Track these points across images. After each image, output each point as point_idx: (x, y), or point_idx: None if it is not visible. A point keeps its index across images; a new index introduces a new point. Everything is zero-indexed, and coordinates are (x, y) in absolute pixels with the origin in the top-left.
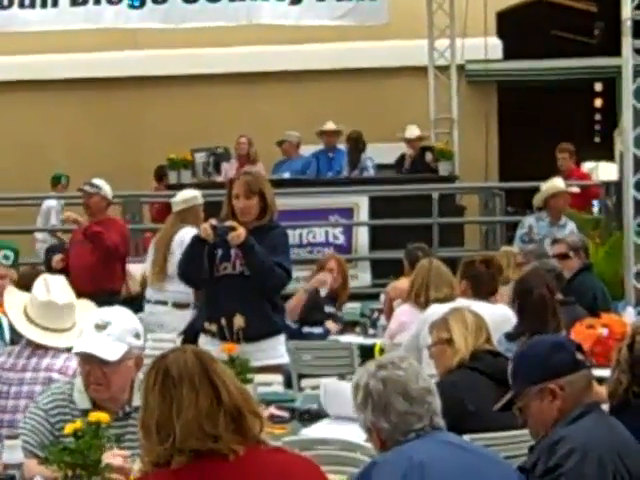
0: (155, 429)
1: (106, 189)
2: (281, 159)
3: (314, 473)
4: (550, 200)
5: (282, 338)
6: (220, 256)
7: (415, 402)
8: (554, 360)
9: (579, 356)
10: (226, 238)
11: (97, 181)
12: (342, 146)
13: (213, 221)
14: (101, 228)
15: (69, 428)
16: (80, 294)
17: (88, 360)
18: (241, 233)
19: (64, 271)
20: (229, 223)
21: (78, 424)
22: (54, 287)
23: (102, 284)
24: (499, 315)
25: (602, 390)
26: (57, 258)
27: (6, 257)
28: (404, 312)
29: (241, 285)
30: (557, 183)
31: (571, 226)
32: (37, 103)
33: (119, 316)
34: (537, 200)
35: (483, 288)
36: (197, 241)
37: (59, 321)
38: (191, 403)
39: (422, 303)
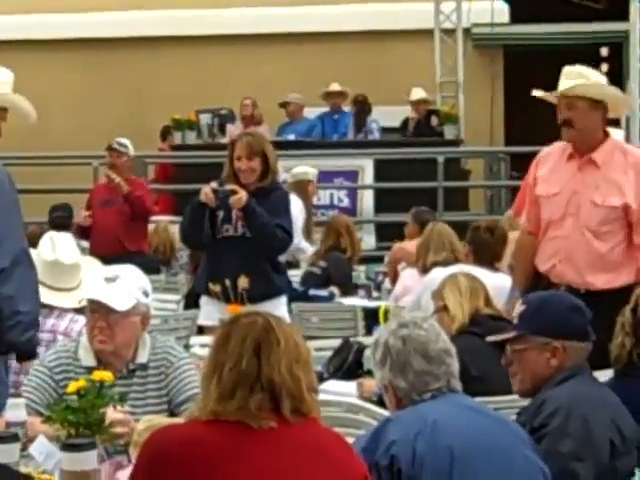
0: (205, 381)
1: (131, 149)
2: (285, 121)
3: (347, 450)
4: None
5: (284, 299)
6: (222, 218)
7: (433, 362)
8: (571, 321)
9: (589, 327)
10: (227, 201)
11: (124, 140)
12: (347, 108)
13: (214, 184)
14: (140, 192)
15: (72, 387)
16: (105, 255)
17: (96, 308)
18: (242, 196)
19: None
20: (230, 187)
21: (81, 382)
22: (60, 246)
23: (128, 245)
24: (496, 285)
25: None
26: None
27: None
28: (409, 275)
29: (243, 247)
30: None
31: None
32: (39, 64)
33: (128, 272)
34: None
35: (485, 255)
36: (198, 205)
37: (65, 280)
38: (231, 379)
39: (421, 266)
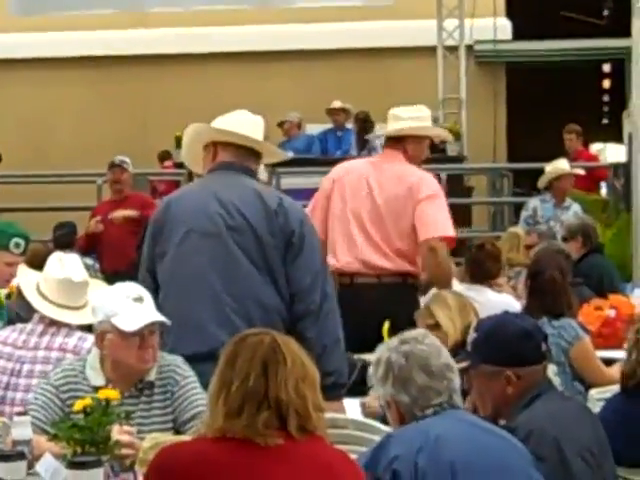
0: (212, 399)
1: (131, 166)
2: (282, 140)
3: (351, 467)
4: (554, 182)
5: None
6: None
7: (435, 377)
8: (520, 349)
9: (544, 347)
10: None
11: (125, 158)
12: (350, 125)
13: None
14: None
15: (78, 405)
16: (116, 272)
17: (154, 329)
18: None
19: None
20: None
21: (87, 401)
22: (69, 265)
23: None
24: (499, 304)
25: (611, 372)
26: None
27: (17, 245)
28: None
29: None
30: (562, 165)
31: (575, 208)
32: (46, 81)
33: (143, 290)
34: (541, 182)
35: (478, 274)
36: None
37: (74, 298)
38: (239, 397)
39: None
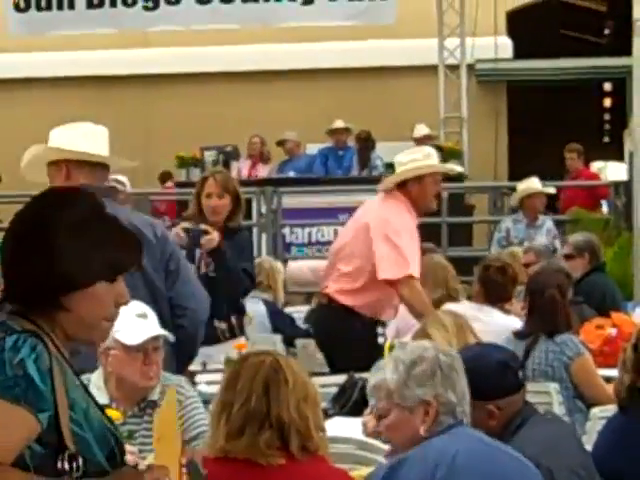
0: (225, 422)
1: (129, 186)
2: (285, 159)
3: None
4: (525, 200)
5: (243, 339)
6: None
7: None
8: (499, 381)
9: (520, 374)
10: (198, 241)
11: (122, 177)
12: (352, 144)
13: (185, 224)
14: None
15: None
16: None
17: (157, 345)
18: (214, 237)
19: None
20: (202, 227)
21: None
22: None
23: None
24: (504, 326)
25: (612, 389)
26: None
27: None
28: (403, 314)
29: (206, 286)
30: (532, 184)
31: (548, 225)
32: (46, 101)
33: (147, 307)
34: (513, 200)
35: (494, 296)
36: None
37: None
38: (240, 400)
39: None
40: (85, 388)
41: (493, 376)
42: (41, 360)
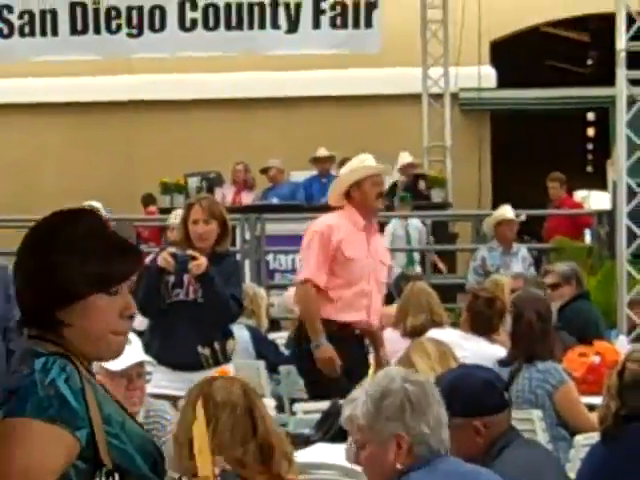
0: (188, 444)
1: (104, 212)
2: (269, 186)
3: None
4: (497, 228)
5: (231, 366)
6: (173, 282)
7: (442, 411)
8: (485, 398)
9: (506, 395)
10: (186, 267)
11: (96, 203)
12: (335, 172)
13: (172, 249)
14: None
15: None
16: None
17: (142, 371)
18: (202, 263)
19: None
20: (190, 252)
21: None
22: None
23: None
24: (493, 356)
25: (595, 418)
26: None
27: None
28: (390, 338)
29: (194, 312)
30: (503, 211)
31: (523, 252)
32: (31, 126)
33: (132, 334)
34: (485, 227)
35: (481, 327)
36: (156, 271)
37: None
38: (227, 428)
39: (402, 329)
40: (119, 402)
41: (479, 393)
42: (72, 379)
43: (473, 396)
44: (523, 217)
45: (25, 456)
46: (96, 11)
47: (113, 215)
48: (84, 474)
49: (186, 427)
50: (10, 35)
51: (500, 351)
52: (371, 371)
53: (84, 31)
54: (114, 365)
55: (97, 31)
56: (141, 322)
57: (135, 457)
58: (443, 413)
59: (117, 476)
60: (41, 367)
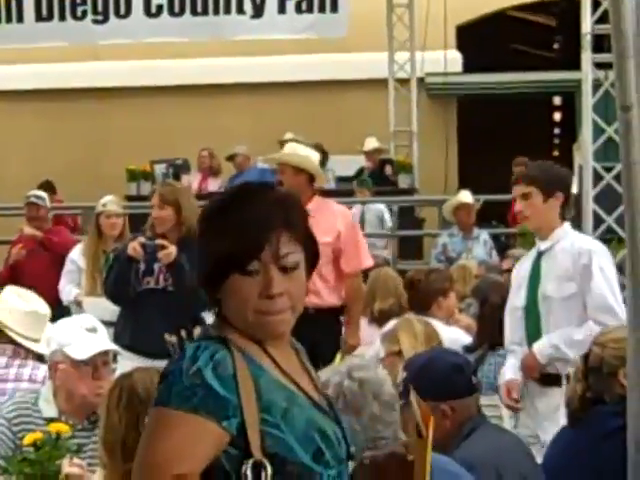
0: (120, 447)
1: (48, 201)
2: (234, 173)
3: None
4: (456, 213)
5: None
6: (143, 270)
7: (386, 408)
8: (452, 382)
9: (474, 379)
10: (155, 256)
11: (41, 193)
12: None
13: (142, 239)
14: (58, 238)
15: (28, 438)
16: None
17: (107, 360)
18: (172, 252)
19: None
20: (159, 241)
21: (38, 435)
22: (30, 298)
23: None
24: (451, 338)
25: None
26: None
27: None
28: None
29: (164, 300)
30: (461, 196)
31: (484, 236)
32: None
33: (97, 321)
34: (444, 213)
35: (415, 306)
36: (125, 259)
37: (38, 330)
38: None
39: (369, 314)
40: (299, 385)
41: (447, 376)
42: (222, 367)
43: (441, 379)
44: (478, 204)
45: (161, 447)
46: None
47: (80, 203)
48: (236, 460)
49: (115, 430)
50: None
51: (457, 333)
52: (338, 357)
53: (49, 17)
54: (79, 354)
55: (62, 18)
56: (112, 312)
57: (294, 447)
58: (385, 409)
59: (269, 467)
60: (191, 354)
